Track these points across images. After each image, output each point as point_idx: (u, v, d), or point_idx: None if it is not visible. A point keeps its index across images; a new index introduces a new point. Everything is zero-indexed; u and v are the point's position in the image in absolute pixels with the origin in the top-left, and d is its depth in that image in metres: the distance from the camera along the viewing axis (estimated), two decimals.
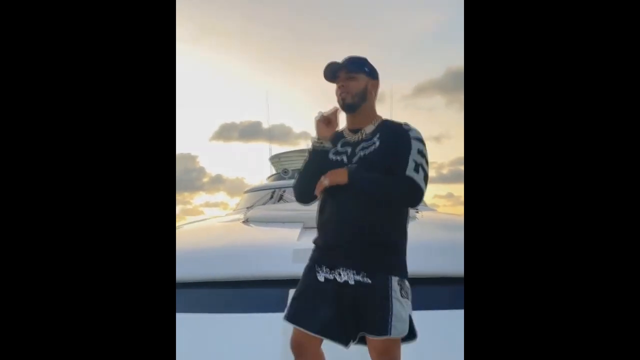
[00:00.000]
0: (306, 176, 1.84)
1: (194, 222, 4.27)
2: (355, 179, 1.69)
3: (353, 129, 1.85)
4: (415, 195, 1.69)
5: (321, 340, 1.74)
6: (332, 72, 1.83)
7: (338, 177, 1.69)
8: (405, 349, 1.69)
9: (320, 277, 1.73)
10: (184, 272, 2.42)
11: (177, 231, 3.86)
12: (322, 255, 1.76)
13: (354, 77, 1.81)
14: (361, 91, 1.82)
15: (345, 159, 1.79)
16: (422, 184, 1.68)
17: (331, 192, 1.75)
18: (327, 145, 1.80)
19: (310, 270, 1.77)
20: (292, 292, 1.81)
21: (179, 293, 2.39)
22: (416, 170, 1.69)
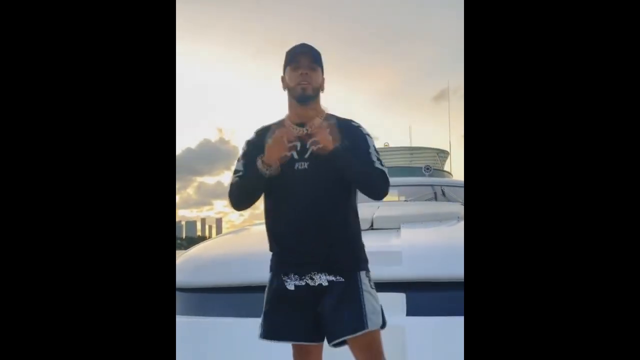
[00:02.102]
0: (246, 190, 1.74)
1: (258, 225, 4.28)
2: (343, 154, 1.61)
3: (299, 122, 1.74)
4: (386, 188, 1.69)
5: (322, 344, 1.69)
6: (298, 54, 1.71)
7: (327, 141, 1.58)
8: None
9: (290, 286, 1.65)
10: (214, 277, 2.46)
11: (224, 235, 3.87)
12: (287, 262, 1.68)
13: (315, 68, 1.72)
14: (319, 85, 1.73)
15: (295, 154, 1.68)
16: (388, 177, 1.70)
17: (285, 194, 1.67)
18: (272, 171, 1.65)
19: (276, 281, 1.69)
20: None
21: (210, 297, 2.41)
22: (381, 164, 1.70)
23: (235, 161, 1.82)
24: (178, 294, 2.46)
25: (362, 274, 1.66)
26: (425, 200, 4.83)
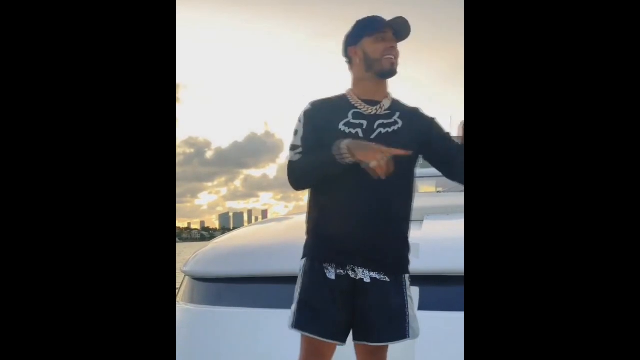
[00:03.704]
0: (312, 171, 1.55)
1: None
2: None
3: (367, 100, 1.57)
4: None
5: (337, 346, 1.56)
6: (382, 25, 1.54)
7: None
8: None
9: (331, 275, 1.51)
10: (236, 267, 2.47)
11: (254, 226, 3.85)
12: (330, 250, 1.54)
13: (396, 42, 1.58)
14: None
15: (360, 132, 1.52)
16: None
17: (342, 174, 1.48)
18: (348, 161, 1.44)
19: (315, 267, 1.54)
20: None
21: (231, 288, 2.42)
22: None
23: (293, 136, 1.61)
24: (196, 284, 2.51)
25: (407, 277, 1.57)
26: (460, 191, 4.64)
